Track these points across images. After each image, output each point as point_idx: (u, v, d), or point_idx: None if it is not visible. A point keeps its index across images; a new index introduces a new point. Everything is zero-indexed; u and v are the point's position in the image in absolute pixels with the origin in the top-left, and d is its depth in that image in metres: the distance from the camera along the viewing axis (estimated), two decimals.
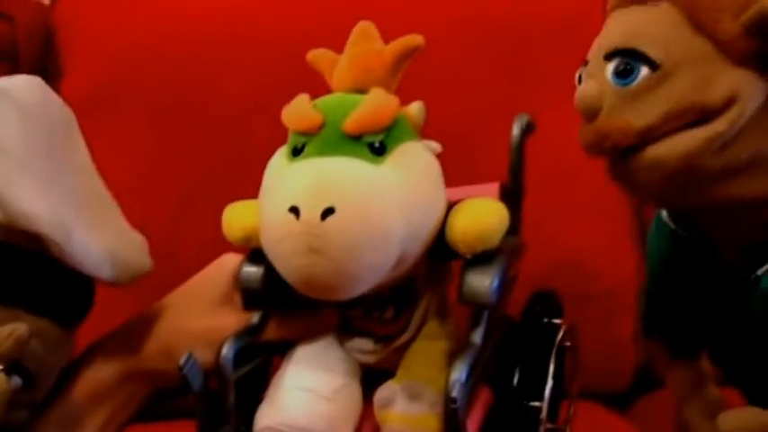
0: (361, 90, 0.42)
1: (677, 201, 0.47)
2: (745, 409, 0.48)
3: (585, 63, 0.45)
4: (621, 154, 0.43)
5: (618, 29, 0.44)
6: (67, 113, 0.49)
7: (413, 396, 0.41)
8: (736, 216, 0.45)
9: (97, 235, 0.46)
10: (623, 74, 0.41)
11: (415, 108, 0.44)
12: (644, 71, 0.41)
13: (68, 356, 0.48)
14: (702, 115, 0.40)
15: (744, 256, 0.46)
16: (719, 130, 0.40)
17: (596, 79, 0.43)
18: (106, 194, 0.51)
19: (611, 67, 0.42)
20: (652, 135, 0.41)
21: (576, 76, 0.46)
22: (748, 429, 0.45)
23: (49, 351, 0.44)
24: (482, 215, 0.41)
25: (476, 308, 0.42)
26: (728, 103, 0.40)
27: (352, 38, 0.44)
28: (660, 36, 0.41)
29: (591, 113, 0.42)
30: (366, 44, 0.44)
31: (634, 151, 0.42)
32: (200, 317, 0.50)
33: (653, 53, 0.41)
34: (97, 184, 0.50)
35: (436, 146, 0.44)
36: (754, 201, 0.43)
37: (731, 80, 0.40)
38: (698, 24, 0.40)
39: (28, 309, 0.43)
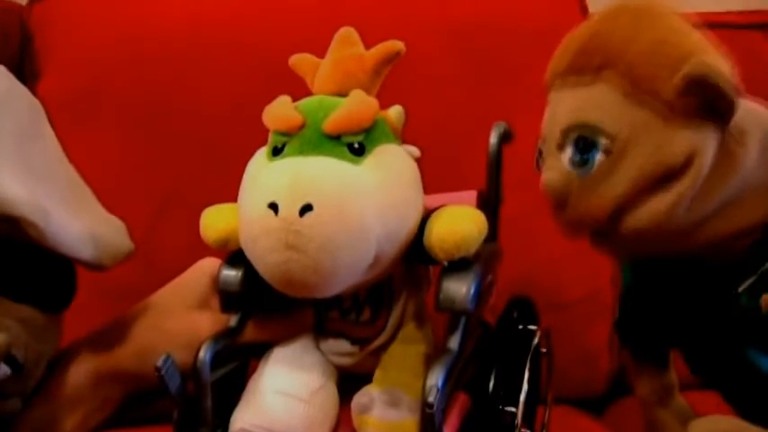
0: (343, 94, 0.43)
1: (660, 255, 0.48)
2: (716, 417, 0.49)
3: (542, 141, 0.46)
4: (602, 232, 0.44)
5: (566, 107, 0.44)
6: (35, 103, 0.48)
7: (391, 402, 0.42)
8: (714, 249, 0.45)
9: (76, 217, 0.45)
10: (583, 151, 0.42)
11: (395, 112, 0.45)
12: (602, 145, 0.41)
13: (56, 344, 0.47)
14: (667, 175, 0.41)
15: (723, 274, 0.47)
16: (687, 186, 0.41)
17: (556, 167, 0.43)
18: (80, 181, 0.50)
19: (569, 149, 0.43)
20: (624, 205, 0.42)
21: (536, 153, 0.47)
22: None
23: (35, 338, 0.44)
24: (460, 222, 0.41)
25: (453, 314, 0.42)
26: (689, 159, 0.41)
27: (333, 43, 0.45)
28: (609, 109, 0.41)
29: (561, 202, 0.43)
30: (348, 49, 0.44)
31: (613, 226, 0.43)
32: (177, 319, 0.49)
33: (607, 127, 0.41)
34: (70, 171, 0.50)
35: (415, 150, 0.45)
36: (728, 236, 0.44)
37: (686, 137, 0.41)
38: (641, 90, 0.41)
39: (10, 297, 0.43)
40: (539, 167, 0.46)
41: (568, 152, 0.43)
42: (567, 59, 0.44)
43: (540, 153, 0.46)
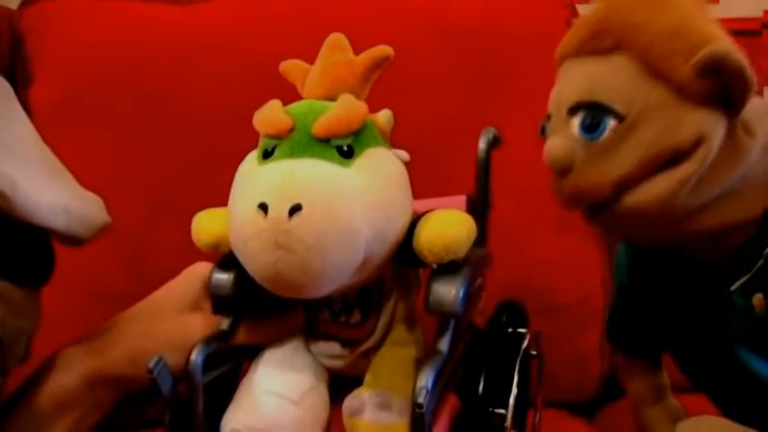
0: (332, 99, 0.43)
1: (654, 239, 0.48)
2: (704, 417, 0.49)
3: (548, 116, 0.46)
4: (600, 206, 0.43)
5: (576, 82, 0.44)
6: (3, 83, 0.47)
7: (382, 404, 0.42)
8: (709, 241, 0.45)
9: (47, 189, 0.44)
10: (590, 128, 0.42)
11: (384, 115, 0.45)
12: (610, 123, 0.41)
13: (36, 321, 0.47)
14: (673, 157, 0.41)
15: (717, 272, 0.47)
16: (692, 169, 0.41)
17: (562, 134, 0.43)
18: (55, 160, 0.49)
19: (576, 122, 0.43)
20: (627, 184, 0.42)
21: (540, 127, 0.46)
22: None
23: (12, 312, 0.43)
24: (449, 225, 0.41)
25: (442, 317, 0.42)
26: (697, 142, 0.41)
27: (323, 49, 0.45)
28: (621, 87, 0.42)
29: (562, 170, 0.43)
30: (337, 55, 0.45)
31: (612, 202, 0.43)
32: (169, 322, 0.49)
33: (617, 105, 0.41)
34: (44, 149, 0.48)
35: (404, 154, 0.45)
36: (724, 228, 0.44)
37: (696, 120, 0.41)
38: (654, 71, 0.41)
39: None
40: (543, 135, 0.46)
41: (575, 127, 0.43)
42: (581, 37, 0.44)
43: (544, 129, 0.46)
